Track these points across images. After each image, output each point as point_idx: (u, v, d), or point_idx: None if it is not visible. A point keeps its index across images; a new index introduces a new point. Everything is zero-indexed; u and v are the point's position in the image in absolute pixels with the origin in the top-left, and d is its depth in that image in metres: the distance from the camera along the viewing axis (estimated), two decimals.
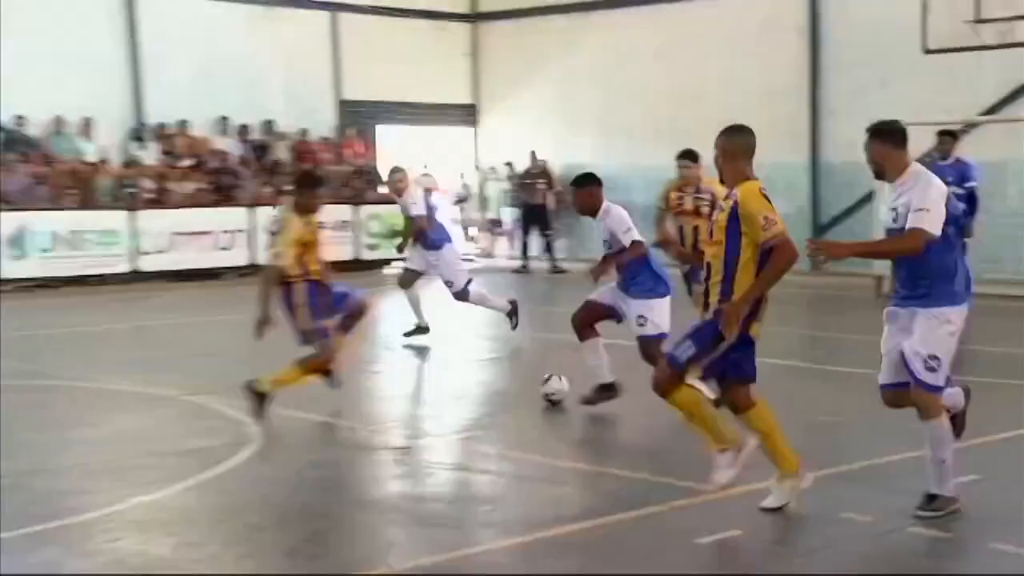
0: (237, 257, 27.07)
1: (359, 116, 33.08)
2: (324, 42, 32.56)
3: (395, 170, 18.59)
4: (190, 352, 16.38)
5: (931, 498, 8.28)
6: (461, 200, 33.81)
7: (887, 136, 8.39)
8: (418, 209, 17.12)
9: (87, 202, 26.64)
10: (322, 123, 32.25)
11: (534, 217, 30.43)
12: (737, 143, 8.88)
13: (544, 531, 8.16)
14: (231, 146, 30.05)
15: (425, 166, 33.59)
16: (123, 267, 26.08)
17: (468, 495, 9.46)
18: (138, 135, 29.30)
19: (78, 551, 7.96)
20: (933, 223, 8.07)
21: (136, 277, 25.77)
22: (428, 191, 18.45)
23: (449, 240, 17.61)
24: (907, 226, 8.12)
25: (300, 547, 8.07)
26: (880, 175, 8.45)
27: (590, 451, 11.42)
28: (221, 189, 28.44)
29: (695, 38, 29.56)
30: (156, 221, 26.79)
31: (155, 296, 23.73)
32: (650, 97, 29.94)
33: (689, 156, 14.54)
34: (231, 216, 27.37)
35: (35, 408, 13.20)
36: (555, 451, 10.90)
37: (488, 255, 32.28)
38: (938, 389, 8.25)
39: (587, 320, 12.51)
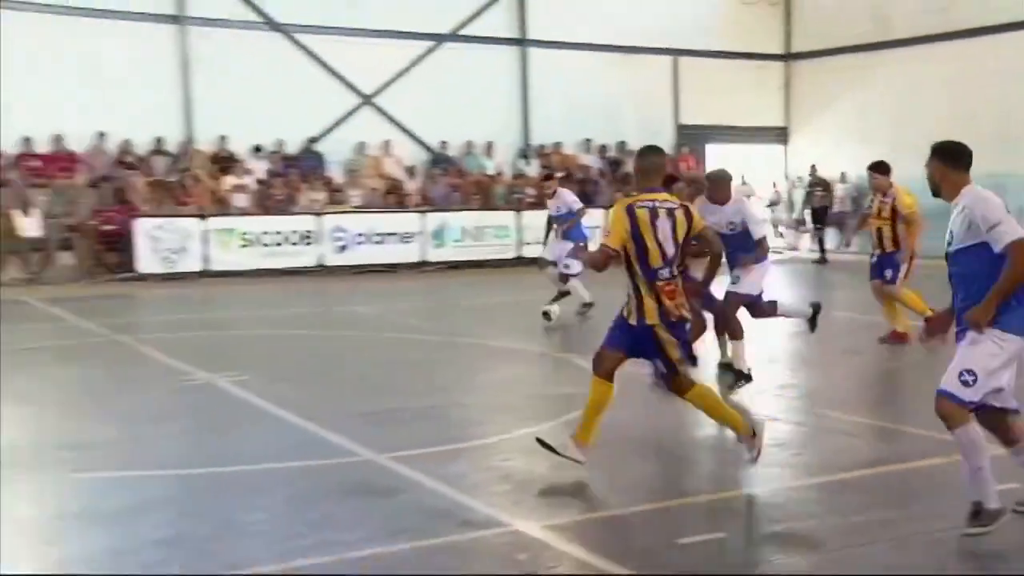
0: (594, 248, 27.32)
1: (692, 137, 33.02)
2: (666, 79, 32.72)
3: (547, 179, 18.97)
4: (558, 321, 16.69)
5: (975, 512, 6.42)
6: (773, 204, 33.37)
7: (946, 155, 6.69)
8: (558, 212, 17.26)
9: (486, 205, 27.59)
10: (663, 143, 32.14)
11: (816, 217, 30.34)
12: (647, 165, 8.05)
13: (839, 474, 8.05)
14: (592, 161, 30.57)
15: (743, 176, 33.48)
16: (511, 254, 26.73)
17: (781, 440, 9.14)
18: (524, 154, 30.19)
19: (479, 466, 8.33)
20: (1016, 229, 6.26)
21: (519, 262, 26.22)
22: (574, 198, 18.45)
23: (581, 237, 17.25)
24: (998, 249, 6.25)
25: (651, 473, 8.33)
26: (936, 193, 6.79)
27: (884, 410, 11.01)
28: (585, 195, 28.91)
29: (975, 68, 28.51)
30: (536, 219, 27.10)
31: (533, 277, 24.26)
32: (933, 119, 28.29)
33: (875, 168, 14.03)
34: (591, 217, 27.48)
35: (449, 359, 13.74)
36: (853, 408, 10.59)
37: (794, 249, 31.95)
38: (963, 403, 6.32)
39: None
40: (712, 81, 32.71)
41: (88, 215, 23.85)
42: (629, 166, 30.50)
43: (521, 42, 30.58)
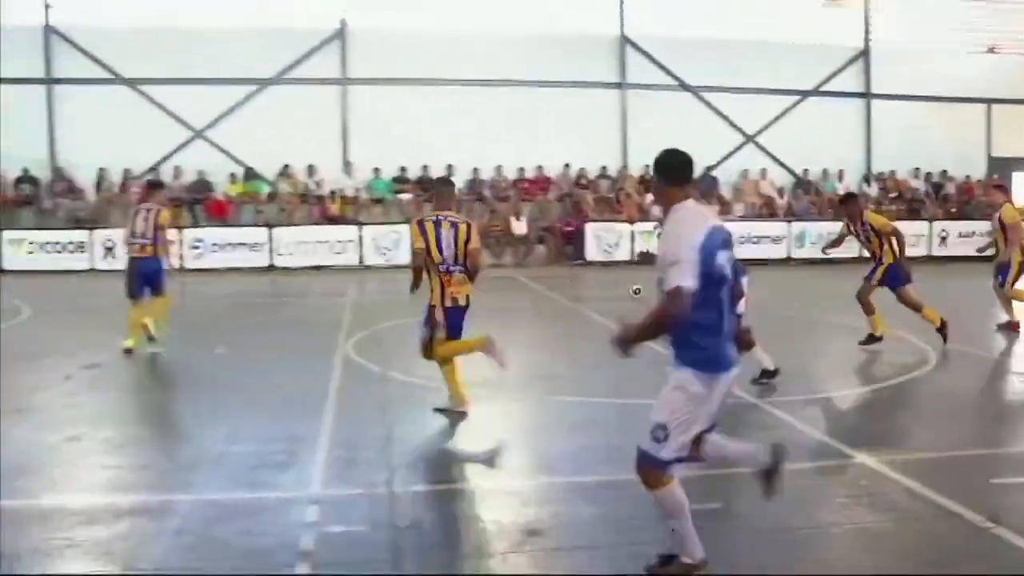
0: (917, 251, 25.55)
1: (1002, 166, 29.96)
2: (980, 121, 29.99)
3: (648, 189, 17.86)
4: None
5: (665, 559, 4.64)
6: None
7: (659, 169, 4.59)
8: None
9: (837, 216, 25.96)
10: (977, 172, 29.74)
11: None
12: (438, 191, 8.20)
13: None
14: (920, 185, 28.67)
15: None
16: (853, 254, 24.72)
17: None
18: (867, 179, 28.63)
19: (832, 413, 8.04)
20: (686, 274, 4.22)
21: (859, 260, 24.71)
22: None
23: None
24: (664, 287, 4.32)
25: (969, 426, 7.71)
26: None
27: None
28: (911, 211, 27.25)
29: None
30: None
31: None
32: None
33: (995, 186, 12.80)
34: (917, 227, 25.60)
35: (807, 332, 13.08)
36: None
37: None
38: (660, 463, 4.43)
39: None
40: (1021, 121, 29.73)
41: (555, 220, 24.75)
42: (949, 189, 28.55)
43: (866, 95, 29.06)
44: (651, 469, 4.46)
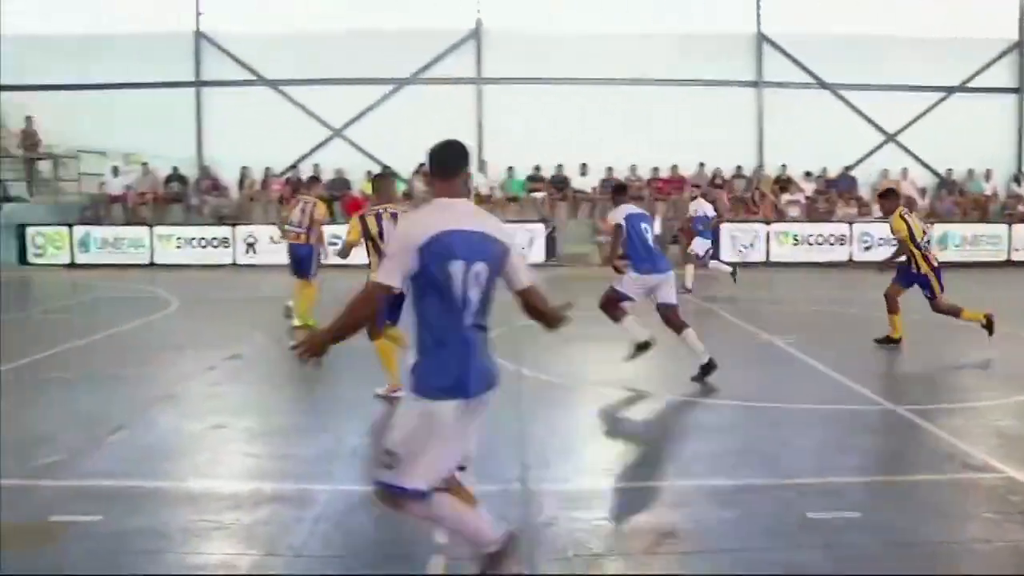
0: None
1: None
2: None
3: (695, 186, 18.47)
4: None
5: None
6: None
7: (429, 160, 4.11)
8: (695, 213, 17.25)
9: (983, 218, 25.23)
10: None
11: None
12: (376, 185, 8.59)
13: None
14: None
15: None
16: (1002, 258, 23.76)
17: None
18: (1016, 178, 27.27)
19: (977, 423, 7.58)
20: (389, 271, 3.89)
21: (1008, 264, 23.60)
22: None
23: (708, 236, 17.40)
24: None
25: None
26: None
27: None
28: None
29: None
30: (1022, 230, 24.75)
31: (1016, 276, 21.94)
32: None
33: None
34: None
35: (932, 335, 12.06)
36: None
37: None
38: (397, 490, 3.98)
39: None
40: None
41: (688, 219, 24.37)
42: None
43: (1019, 91, 27.63)
44: (388, 497, 4.07)
